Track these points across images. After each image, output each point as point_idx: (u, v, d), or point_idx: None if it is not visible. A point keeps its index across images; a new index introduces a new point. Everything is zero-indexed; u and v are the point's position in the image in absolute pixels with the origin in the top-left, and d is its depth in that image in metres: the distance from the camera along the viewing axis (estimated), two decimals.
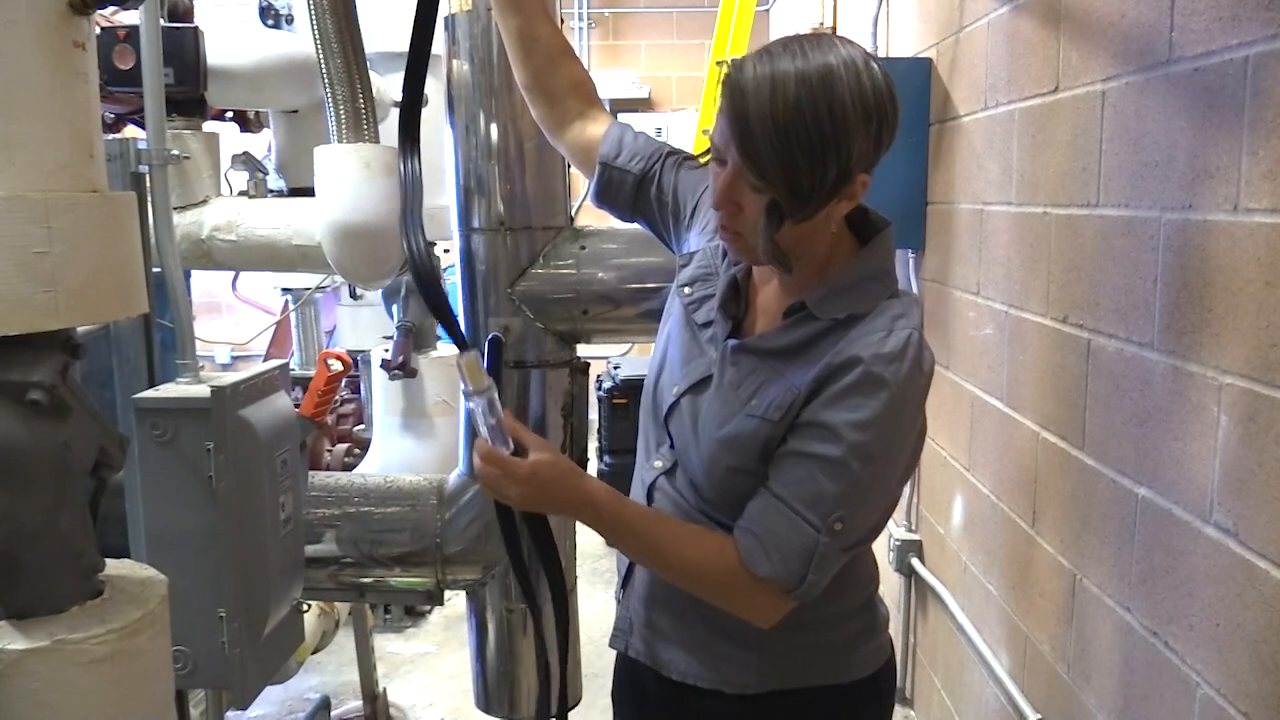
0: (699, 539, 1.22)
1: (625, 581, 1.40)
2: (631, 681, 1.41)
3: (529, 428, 1.45)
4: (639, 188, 1.42)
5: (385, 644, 3.70)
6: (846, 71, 1.06)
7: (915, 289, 2.76)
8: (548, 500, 1.21)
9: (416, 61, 1.35)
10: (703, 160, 1.27)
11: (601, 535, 1.24)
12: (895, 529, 2.92)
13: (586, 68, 1.52)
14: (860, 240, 1.24)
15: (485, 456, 1.19)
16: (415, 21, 1.34)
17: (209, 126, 2.49)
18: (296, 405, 2.12)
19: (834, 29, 4.25)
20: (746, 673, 1.28)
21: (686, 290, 1.34)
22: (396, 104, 2.83)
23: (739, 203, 1.14)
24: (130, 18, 2.07)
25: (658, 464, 1.32)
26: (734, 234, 1.18)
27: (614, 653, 1.43)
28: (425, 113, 2.71)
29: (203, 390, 1.52)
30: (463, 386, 1.19)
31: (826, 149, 1.06)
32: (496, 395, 1.19)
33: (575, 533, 2.16)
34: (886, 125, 1.10)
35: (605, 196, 1.46)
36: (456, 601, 3.23)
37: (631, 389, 4.60)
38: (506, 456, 1.18)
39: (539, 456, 1.19)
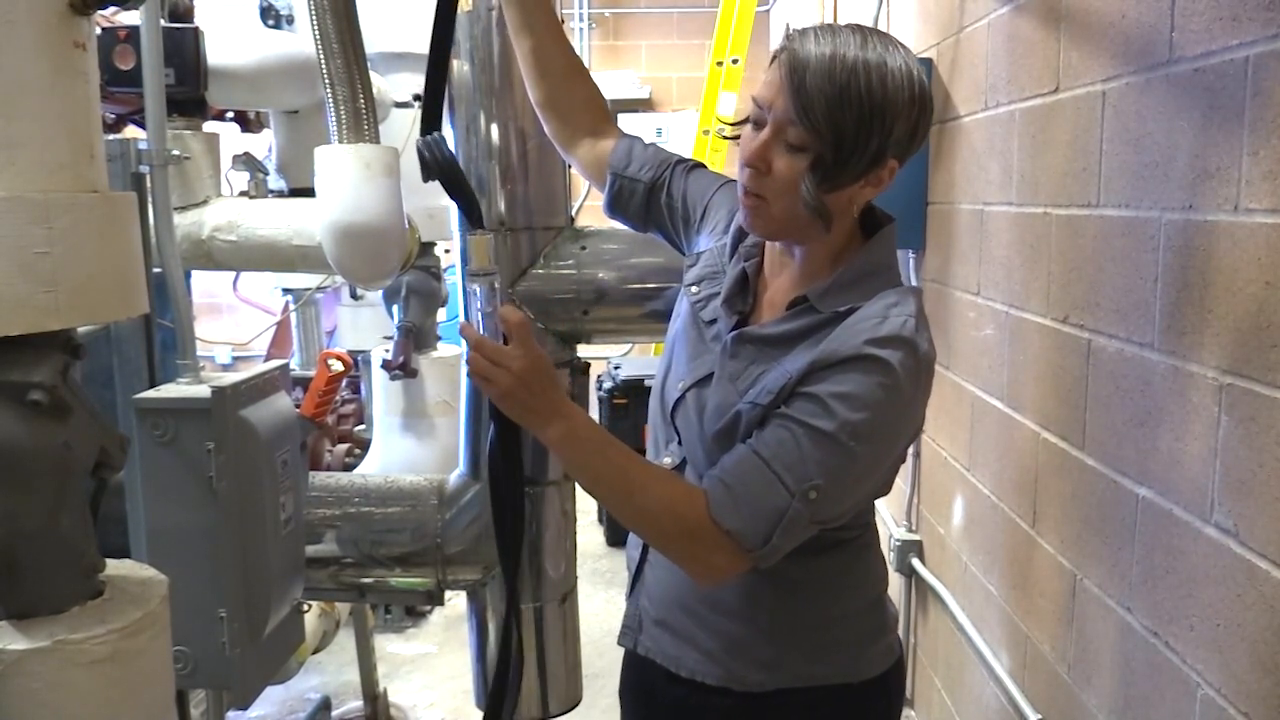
0: (670, 482, 1.22)
1: (634, 579, 1.40)
2: (640, 679, 1.41)
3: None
4: (650, 196, 1.44)
5: (386, 644, 3.70)
6: (899, 58, 1.12)
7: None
8: (529, 399, 1.18)
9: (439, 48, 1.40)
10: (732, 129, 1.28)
11: (566, 459, 1.22)
12: (895, 529, 2.92)
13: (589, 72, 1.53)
14: (867, 236, 1.25)
15: (478, 344, 1.18)
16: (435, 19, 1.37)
17: (209, 127, 2.49)
18: (297, 405, 2.12)
19: None
20: (755, 670, 1.28)
21: (693, 289, 1.35)
22: (397, 104, 2.84)
23: (770, 162, 1.15)
24: (131, 18, 2.07)
25: (667, 460, 1.33)
26: (755, 199, 1.18)
27: (614, 653, 1.43)
28: None
29: (203, 390, 1.52)
30: (467, 266, 1.19)
31: (875, 116, 1.10)
32: (498, 283, 1.20)
33: (575, 533, 2.16)
34: (924, 120, 1.15)
35: (618, 206, 1.48)
36: (457, 602, 3.22)
37: (632, 389, 4.60)
38: (500, 345, 1.17)
39: (529, 357, 1.17)
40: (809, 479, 1.12)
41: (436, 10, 1.39)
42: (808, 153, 1.12)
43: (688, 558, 1.20)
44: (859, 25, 1.15)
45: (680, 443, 1.31)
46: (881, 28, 3.15)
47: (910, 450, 2.77)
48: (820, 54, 1.10)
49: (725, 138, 1.25)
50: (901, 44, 1.15)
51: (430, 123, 1.39)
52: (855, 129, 1.10)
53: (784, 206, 1.16)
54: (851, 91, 1.09)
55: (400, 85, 2.91)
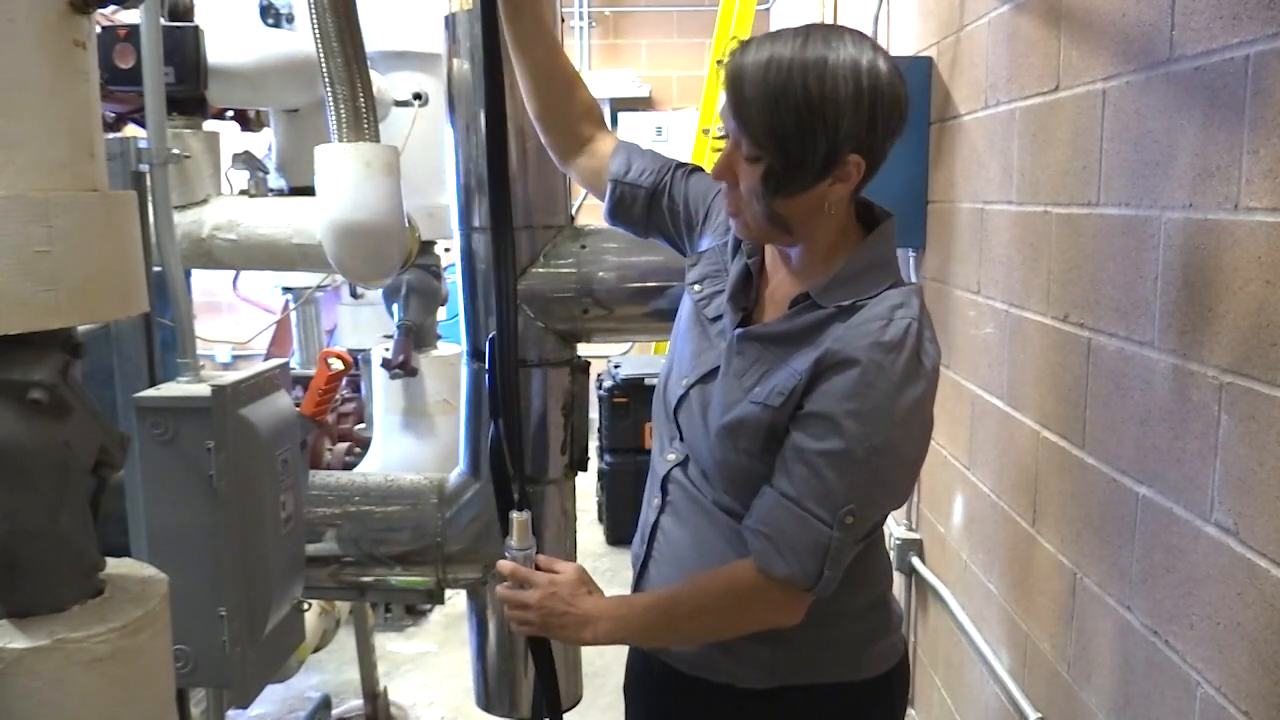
0: (696, 580, 1.26)
1: (639, 576, 1.41)
2: (644, 675, 1.43)
3: (530, 427, 1.47)
4: (651, 201, 1.45)
5: (386, 643, 3.70)
6: (844, 53, 1.11)
7: None
8: (566, 612, 1.27)
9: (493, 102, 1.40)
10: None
11: (630, 641, 1.32)
12: (896, 528, 2.92)
13: (586, 68, 1.53)
14: (866, 231, 1.26)
15: (511, 573, 1.29)
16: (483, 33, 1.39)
17: (209, 125, 2.49)
18: (297, 404, 2.12)
19: None
20: (759, 668, 1.29)
21: (696, 288, 1.36)
22: (397, 103, 2.84)
23: (735, 174, 1.18)
24: (131, 17, 2.07)
25: (670, 457, 1.34)
26: (735, 210, 1.21)
27: (614, 651, 1.43)
28: (425, 111, 2.70)
29: (203, 389, 1.52)
30: (509, 540, 1.30)
31: (814, 117, 1.09)
32: (535, 552, 1.31)
33: (575, 531, 2.16)
34: (881, 108, 1.12)
35: (619, 213, 1.48)
36: (457, 600, 3.23)
37: (632, 388, 4.59)
38: (531, 571, 1.28)
39: (563, 577, 1.28)
40: (841, 506, 1.15)
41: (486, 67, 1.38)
42: (760, 163, 1.14)
43: (761, 621, 1.23)
44: (808, 26, 1.14)
45: (683, 439, 1.31)
46: (881, 27, 3.15)
47: None
48: (756, 61, 1.10)
49: (719, 138, 1.26)
50: (858, 35, 1.14)
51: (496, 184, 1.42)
52: (798, 132, 1.10)
53: (754, 215, 1.19)
54: (787, 95, 1.09)
55: (400, 84, 2.91)
